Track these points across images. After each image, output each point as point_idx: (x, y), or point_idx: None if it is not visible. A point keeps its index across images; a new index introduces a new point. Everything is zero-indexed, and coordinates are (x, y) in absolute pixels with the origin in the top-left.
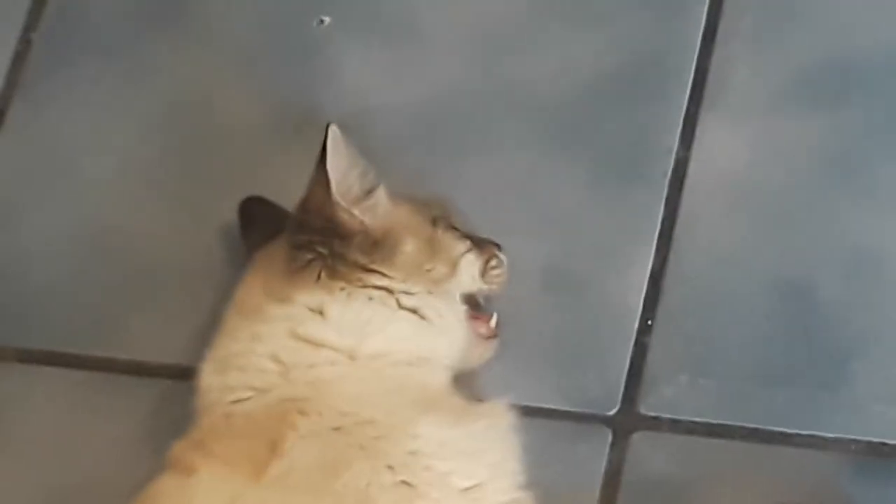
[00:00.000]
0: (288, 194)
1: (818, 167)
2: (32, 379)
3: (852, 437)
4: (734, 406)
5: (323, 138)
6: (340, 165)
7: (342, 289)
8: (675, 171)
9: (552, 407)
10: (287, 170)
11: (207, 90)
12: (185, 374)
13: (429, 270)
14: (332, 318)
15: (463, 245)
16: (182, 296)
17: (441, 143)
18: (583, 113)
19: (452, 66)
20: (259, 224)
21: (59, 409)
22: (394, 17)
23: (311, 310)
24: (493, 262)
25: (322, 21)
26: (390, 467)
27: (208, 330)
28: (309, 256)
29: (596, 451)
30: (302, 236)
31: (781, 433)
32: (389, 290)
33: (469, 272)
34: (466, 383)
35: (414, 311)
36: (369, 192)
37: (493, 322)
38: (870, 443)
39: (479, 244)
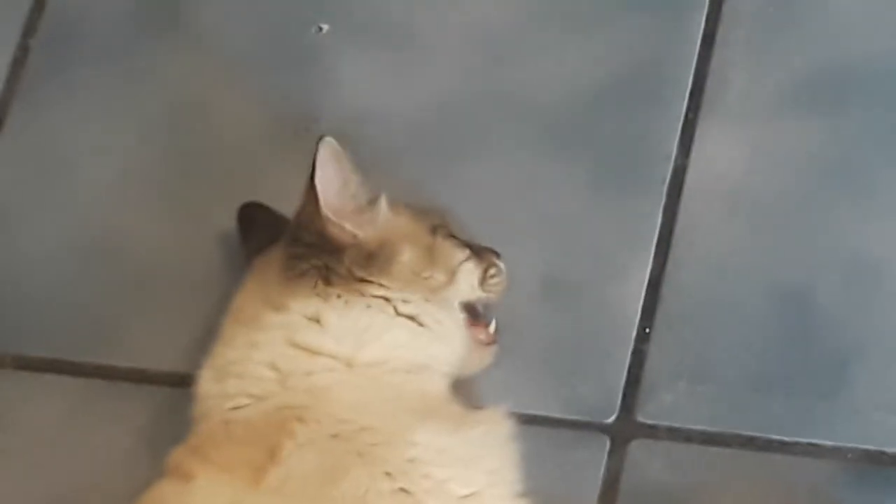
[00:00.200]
0: (287, 200)
1: (816, 173)
2: (31, 386)
3: (850, 445)
4: (732, 414)
5: (314, 152)
6: (331, 180)
7: (339, 297)
8: (673, 177)
9: (550, 414)
10: (286, 176)
11: (206, 96)
12: (183, 381)
13: (427, 279)
14: (330, 326)
15: (462, 253)
16: (181, 302)
17: (439, 150)
18: (581, 119)
19: (451, 72)
20: (258, 230)
21: (57, 415)
22: (392, 24)
23: (308, 318)
24: (492, 271)
25: (321, 28)
26: (388, 474)
27: (207, 337)
28: (305, 266)
29: (594, 458)
30: (296, 248)
31: (779, 441)
32: (387, 299)
33: (468, 280)
34: (465, 390)
35: (412, 318)
36: (367, 204)
37: (491, 328)
38: (867, 451)
39: (478, 252)
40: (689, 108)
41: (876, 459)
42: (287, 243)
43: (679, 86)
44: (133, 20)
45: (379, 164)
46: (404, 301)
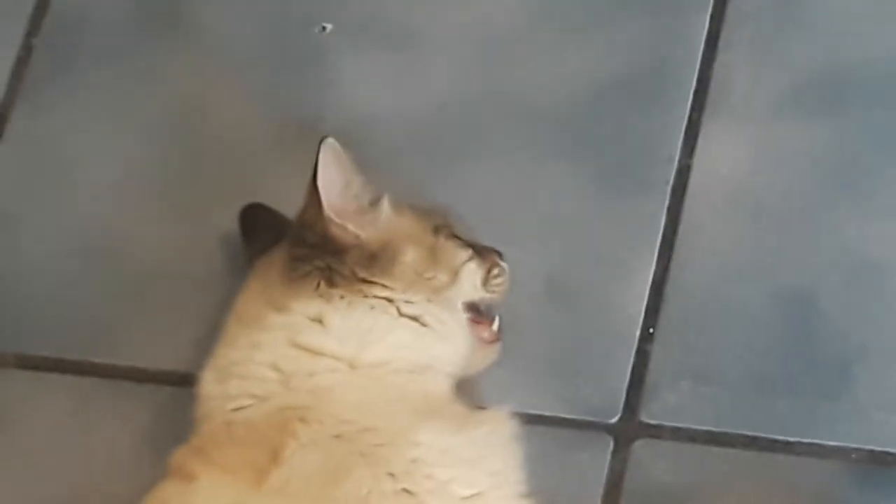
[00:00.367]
0: (289, 201)
1: (819, 175)
2: (32, 385)
3: (853, 445)
4: (735, 414)
5: (316, 153)
6: (333, 181)
7: (342, 297)
8: (677, 179)
9: (554, 415)
10: (287, 177)
11: (207, 96)
12: (185, 381)
13: (430, 279)
14: (332, 327)
15: (465, 253)
16: (183, 303)
17: (442, 150)
18: (584, 121)
19: (453, 73)
20: (260, 231)
21: (59, 415)
22: (395, 25)
23: (311, 318)
24: (495, 271)
25: (323, 28)
26: (391, 475)
27: (209, 337)
28: (307, 268)
29: (597, 458)
30: (299, 250)
31: (782, 441)
32: (390, 300)
33: (470, 280)
34: (468, 391)
35: (415, 319)
36: (370, 205)
37: (494, 327)
38: (871, 451)
39: (481, 252)
40: (692, 110)
41: (879, 459)
42: (289, 244)
43: (683, 87)
44: (135, 21)
45: (381, 164)
46: (407, 301)
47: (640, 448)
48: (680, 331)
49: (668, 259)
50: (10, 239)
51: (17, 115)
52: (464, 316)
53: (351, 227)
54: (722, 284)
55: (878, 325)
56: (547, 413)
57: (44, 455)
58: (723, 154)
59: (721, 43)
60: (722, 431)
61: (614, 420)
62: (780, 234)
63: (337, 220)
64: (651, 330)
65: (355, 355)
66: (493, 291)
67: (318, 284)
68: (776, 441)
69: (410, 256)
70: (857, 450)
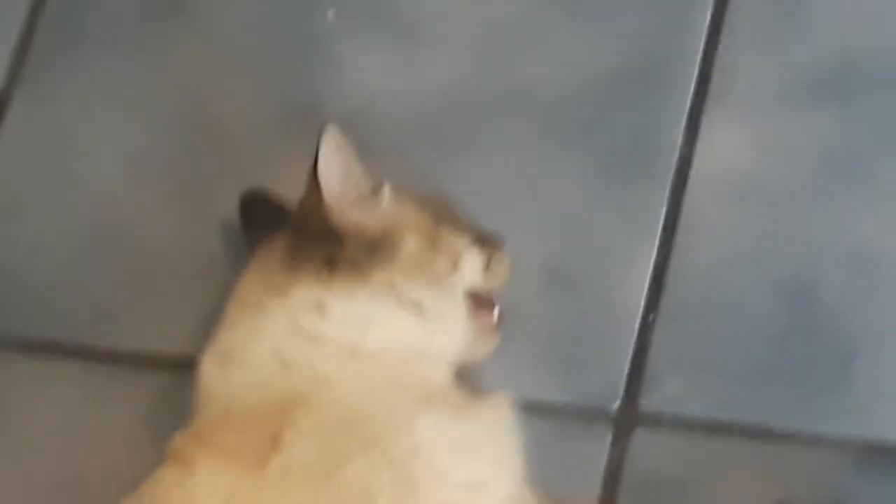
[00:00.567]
0: (291, 188)
1: (822, 166)
2: (34, 369)
3: (854, 435)
4: (735, 403)
5: (317, 140)
6: (334, 169)
7: (342, 285)
8: (678, 168)
9: (554, 402)
10: (290, 164)
11: (211, 82)
12: (186, 365)
13: (430, 267)
14: (333, 314)
15: (466, 241)
16: (184, 288)
17: (444, 139)
18: (586, 110)
19: (457, 61)
20: (260, 217)
21: (60, 399)
22: (399, 13)
23: (311, 305)
24: (496, 258)
25: (328, 15)
26: (391, 462)
27: (210, 322)
28: (308, 255)
29: (597, 447)
30: (300, 237)
31: (783, 431)
32: (390, 287)
33: (471, 268)
34: (468, 378)
35: (415, 306)
36: (370, 192)
37: (495, 315)
38: (871, 441)
39: (483, 240)
40: (694, 100)
41: (879, 450)
42: (290, 231)
43: (685, 77)
44: (139, 5)
45: (383, 151)
46: (408, 289)
47: (640, 436)
48: (680, 319)
49: (669, 248)
50: (11, 224)
51: (19, 100)
52: (464, 304)
53: (352, 214)
54: (723, 273)
55: (880, 315)
56: (547, 401)
57: (45, 438)
58: (725, 144)
59: (724, 32)
60: (722, 420)
61: (614, 408)
62: (781, 224)
63: (337, 207)
64: (651, 318)
65: (355, 342)
66: (494, 279)
67: (319, 271)
68: (776, 430)
69: (411, 244)
70: (857, 440)
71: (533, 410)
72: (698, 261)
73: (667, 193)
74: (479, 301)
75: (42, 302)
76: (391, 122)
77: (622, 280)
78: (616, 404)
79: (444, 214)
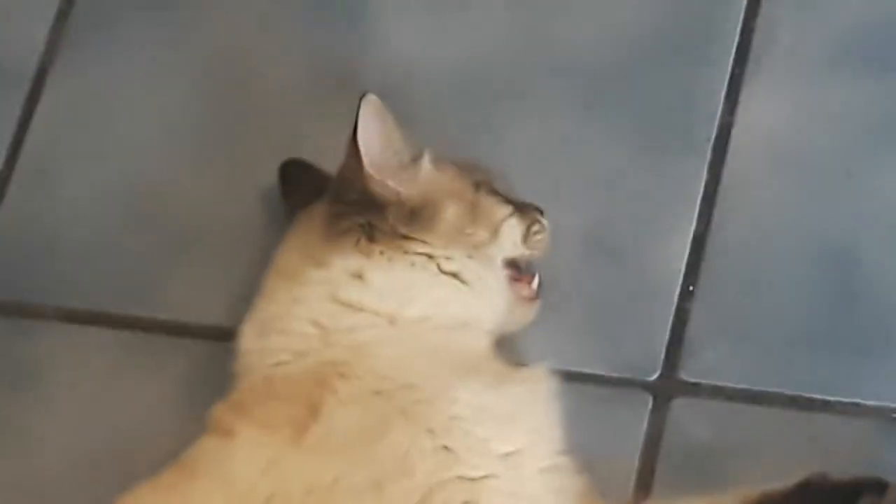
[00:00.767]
0: (329, 156)
1: (862, 131)
2: (73, 338)
3: (893, 404)
4: (774, 372)
5: (357, 108)
6: (374, 137)
7: (382, 253)
8: (718, 135)
9: (593, 372)
10: (328, 131)
11: (249, 50)
12: (225, 336)
13: (470, 235)
14: (372, 283)
15: (505, 210)
16: (223, 257)
17: (483, 106)
18: (626, 77)
19: (496, 27)
20: (300, 187)
21: (99, 368)
22: None
23: (351, 274)
24: (536, 227)
25: None
26: (430, 431)
27: (249, 292)
28: (347, 223)
29: (636, 416)
30: (339, 206)
31: (822, 400)
32: (430, 256)
33: (511, 237)
34: (507, 348)
35: (455, 275)
36: (410, 161)
37: (534, 284)
38: None
39: (522, 209)
40: (735, 66)
41: None
42: (330, 200)
43: (725, 43)
44: None
45: (422, 119)
46: (447, 258)
47: (679, 406)
48: (720, 289)
49: (709, 216)
50: (50, 192)
51: (58, 69)
52: (503, 273)
53: (391, 183)
54: (763, 242)
55: None
56: (586, 370)
57: (83, 409)
58: (765, 111)
59: None
60: (761, 390)
61: (653, 378)
62: (822, 192)
63: (377, 176)
64: (691, 287)
65: (395, 311)
66: (534, 248)
67: (359, 240)
68: (815, 399)
69: (451, 213)
70: None
71: (572, 380)
72: (738, 230)
73: (707, 161)
74: (519, 270)
75: (81, 271)
76: (430, 90)
77: (662, 249)
78: (655, 374)
79: (483, 183)
